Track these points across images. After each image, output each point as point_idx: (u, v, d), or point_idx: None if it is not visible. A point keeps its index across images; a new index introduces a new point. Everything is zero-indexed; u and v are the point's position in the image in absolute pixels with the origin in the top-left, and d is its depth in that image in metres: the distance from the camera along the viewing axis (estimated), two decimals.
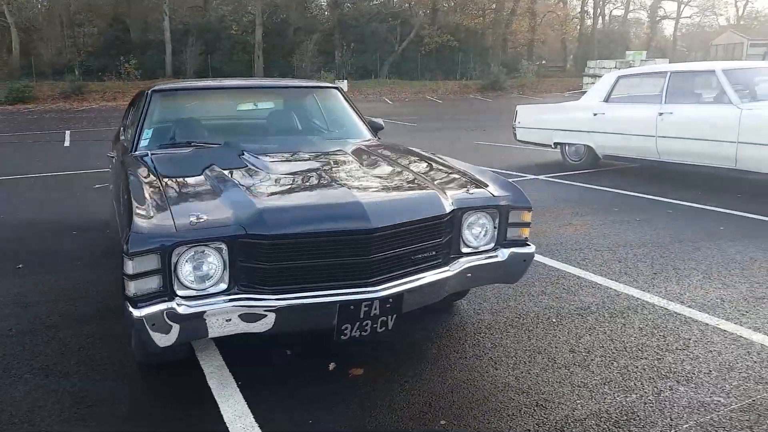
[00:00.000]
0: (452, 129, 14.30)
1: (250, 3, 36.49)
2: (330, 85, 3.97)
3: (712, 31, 51.69)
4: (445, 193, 2.48)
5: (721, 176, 6.04)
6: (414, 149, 3.37)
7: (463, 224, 2.50)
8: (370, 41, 37.72)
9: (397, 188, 2.56)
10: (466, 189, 2.59)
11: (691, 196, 5.77)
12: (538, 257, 3.99)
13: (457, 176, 2.77)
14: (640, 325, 2.91)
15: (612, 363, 2.54)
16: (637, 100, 6.90)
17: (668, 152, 6.34)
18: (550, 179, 7.09)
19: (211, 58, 34.89)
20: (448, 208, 2.39)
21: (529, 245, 2.65)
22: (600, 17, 48.56)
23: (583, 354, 2.62)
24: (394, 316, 2.26)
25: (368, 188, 2.47)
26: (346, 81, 32.58)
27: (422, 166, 2.95)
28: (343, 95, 3.91)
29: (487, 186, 2.64)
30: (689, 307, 3.12)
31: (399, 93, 32.35)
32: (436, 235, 2.37)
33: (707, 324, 2.90)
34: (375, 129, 3.91)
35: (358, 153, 3.03)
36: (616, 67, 25.10)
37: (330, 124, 3.73)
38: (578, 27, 46.48)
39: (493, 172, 2.87)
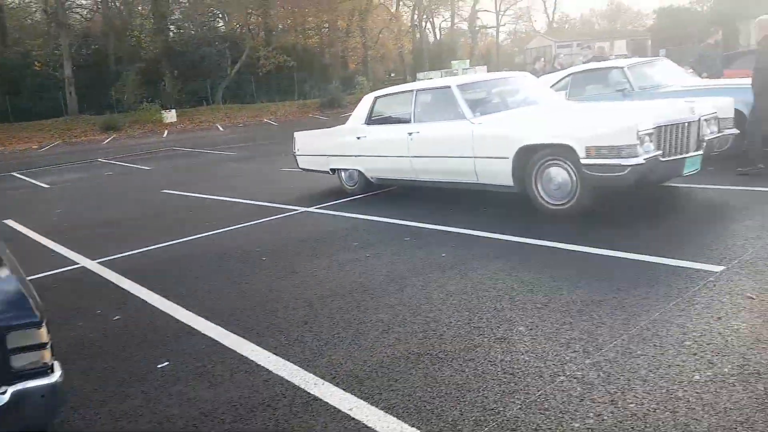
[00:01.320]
0: (271, 155, 13.59)
1: (60, 35, 33.04)
2: None
3: (528, 36, 57.13)
4: None
5: (478, 193, 5.84)
6: None
7: None
8: (201, 67, 36.01)
9: None
10: None
11: (443, 218, 5.46)
12: (211, 333, 3.32)
13: None
14: None
15: None
16: (392, 120, 6.63)
17: (421, 172, 6.11)
18: (319, 210, 6.59)
19: (14, 99, 31.16)
20: None
21: (51, 373, 1.93)
22: (428, 30, 51.21)
23: None
24: None
25: None
26: (174, 110, 30.64)
27: None
28: None
29: None
30: (337, 385, 2.59)
31: (235, 118, 30.99)
32: None
33: (338, 411, 2.38)
34: None
35: None
36: (441, 77, 26.06)
37: None
38: (411, 40, 48.55)
39: (17, 277, 2.11)
